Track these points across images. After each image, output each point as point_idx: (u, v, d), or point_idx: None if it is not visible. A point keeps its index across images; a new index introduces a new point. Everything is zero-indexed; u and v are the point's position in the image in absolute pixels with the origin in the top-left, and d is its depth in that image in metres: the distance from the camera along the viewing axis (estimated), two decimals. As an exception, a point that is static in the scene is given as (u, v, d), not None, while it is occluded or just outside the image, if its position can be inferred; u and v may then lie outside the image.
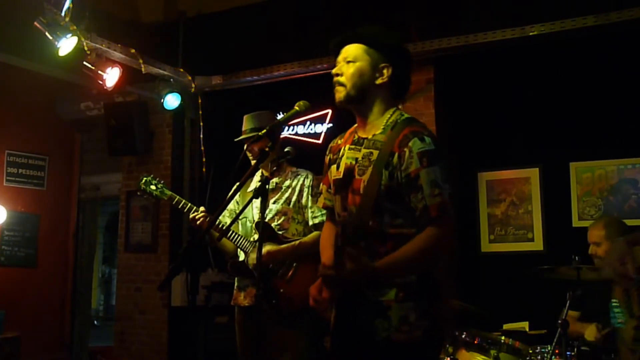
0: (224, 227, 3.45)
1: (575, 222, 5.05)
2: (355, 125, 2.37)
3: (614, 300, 2.41)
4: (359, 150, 2.27)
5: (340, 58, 2.30)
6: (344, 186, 2.28)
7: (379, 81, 2.26)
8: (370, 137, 2.26)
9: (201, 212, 3.46)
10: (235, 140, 3.64)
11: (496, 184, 5.44)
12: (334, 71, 2.28)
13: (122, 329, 6.44)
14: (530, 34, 4.61)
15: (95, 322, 14.24)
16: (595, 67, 5.02)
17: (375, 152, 2.20)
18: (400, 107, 2.38)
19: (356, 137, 2.32)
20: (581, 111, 5.07)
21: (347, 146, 2.33)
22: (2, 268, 6.60)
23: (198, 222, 3.42)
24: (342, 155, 2.33)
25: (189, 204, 3.50)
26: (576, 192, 5.09)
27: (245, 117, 3.68)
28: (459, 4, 5.11)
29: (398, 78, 2.29)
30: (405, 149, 2.14)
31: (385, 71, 2.25)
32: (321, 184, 2.51)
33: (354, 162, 2.26)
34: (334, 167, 2.37)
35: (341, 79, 2.25)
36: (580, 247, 3.77)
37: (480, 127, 5.49)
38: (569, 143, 5.14)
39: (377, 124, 2.27)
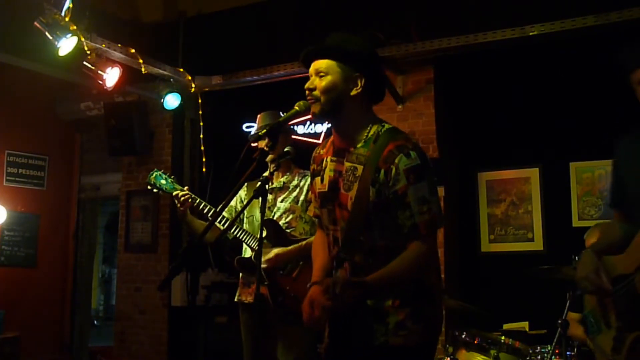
0: (229, 222, 3.46)
1: (575, 222, 5.06)
2: (333, 138, 2.33)
3: (588, 311, 2.39)
4: (342, 163, 2.24)
5: (311, 71, 2.26)
6: (330, 199, 2.26)
7: (353, 92, 2.20)
8: (352, 149, 2.22)
9: (185, 191, 3.45)
10: (250, 136, 3.64)
11: (496, 184, 5.44)
12: (306, 86, 2.24)
13: (122, 329, 6.45)
14: (530, 34, 4.61)
15: (95, 322, 14.23)
16: (595, 67, 5.02)
17: (360, 167, 2.17)
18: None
19: (335, 148, 2.29)
20: (581, 111, 5.07)
21: (329, 157, 2.30)
22: (2, 268, 6.60)
23: (181, 200, 3.41)
24: (325, 167, 2.31)
25: (198, 199, 3.49)
26: (576, 192, 5.10)
27: (260, 115, 3.67)
28: (459, 4, 5.11)
29: (372, 85, 2.24)
30: (392, 166, 2.10)
31: (359, 82, 2.20)
32: (309, 193, 2.50)
33: (337, 175, 2.24)
34: (317, 179, 2.34)
35: (315, 93, 2.20)
36: (580, 247, 3.76)
37: (480, 127, 5.49)
38: (569, 143, 5.14)
39: (357, 137, 2.22)
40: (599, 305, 2.34)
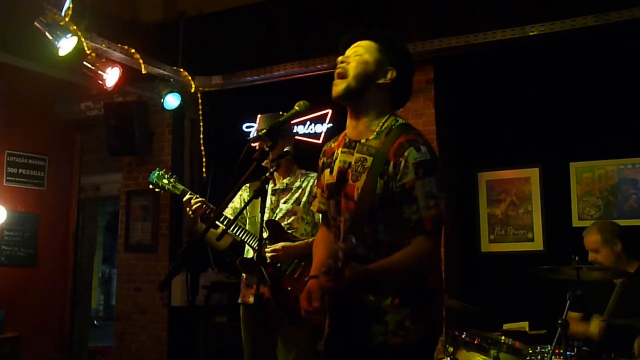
0: (229, 221, 3.46)
1: (575, 222, 5.05)
2: (346, 129, 2.33)
3: None
4: (352, 154, 2.23)
5: (349, 51, 2.27)
6: (337, 190, 2.25)
7: (381, 81, 2.21)
8: (363, 141, 2.22)
9: (198, 197, 3.44)
10: (249, 138, 3.62)
11: (496, 184, 5.44)
12: (340, 58, 2.24)
13: (122, 329, 6.45)
14: (530, 34, 4.61)
15: (95, 322, 14.24)
16: (595, 67, 5.02)
17: (369, 159, 2.17)
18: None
19: (347, 140, 2.29)
20: (581, 111, 5.07)
21: (340, 149, 2.30)
22: (2, 268, 6.60)
23: (194, 207, 3.39)
24: (336, 159, 2.30)
25: (212, 206, 3.47)
26: (576, 192, 5.09)
27: (259, 117, 3.67)
28: (459, 4, 5.11)
29: (400, 84, 2.25)
30: (401, 159, 2.10)
31: (389, 74, 2.22)
32: (315, 187, 2.50)
33: (346, 166, 2.23)
34: (327, 171, 2.33)
35: (346, 66, 2.21)
36: (580, 247, 3.77)
37: (480, 127, 5.49)
38: (569, 143, 5.14)
39: (370, 128, 2.22)
40: None
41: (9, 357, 5.98)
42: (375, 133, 2.21)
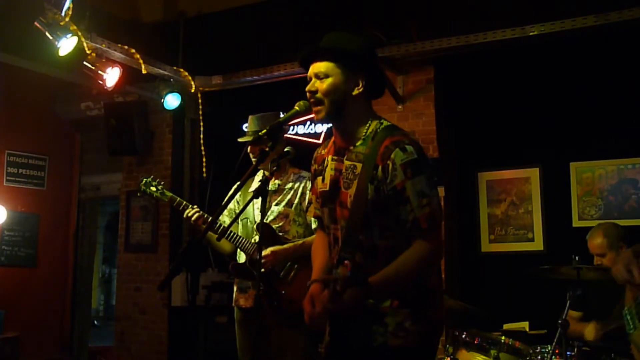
0: (223, 228, 3.45)
1: (575, 222, 5.05)
2: (334, 137, 2.33)
3: (626, 308, 2.42)
4: (342, 162, 2.24)
5: (310, 73, 2.26)
6: (331, 199, 2.26)
7: (355, 92, 2.20)
8: (351, 148, 2.23)
9: (195, 209, 3.46)
10: (239, 140, 3.63)
11: (496, 184, 5.44)
12: (308, 88, 2.24)
13: (122, 329, 6.45)
14: (530, 34, 4.61)
15: (95, 322, 14.25)
16: (595, 67, 5.02)
17: (359, 165, 2.17)
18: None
19: (337, 147, 2.29)
20: (581, 111, 5.07)
21: (330, 157, 2.30)
22: (2, 268, 6.60)
23: (193, 219, 3.42)
24: (327, 166, 2.31)
25: (190, 206, 3.50)
26: (576, 192, 5.10)
27: (250, 117, 3.66)
28: (459, 4, 5.11)
29: (372, 82, 2.24)
30: (389, 162, 2.10)
31: (360, 81, 2.21)
32: (310, 194, 2.49)
33: (338, 174, 2.24)
34: (319, 178, 2.34)
35: (318, 95, 2.21)
36: (580, 247, 3.77)
37: (480, 127, 5.49)
38: (569, 143, 5.14)
39: (357, 135, 2.23)
40: (634, 302, 2.37)
41: (9, 357, 5.98)
42: (362, 139, 2.22)
